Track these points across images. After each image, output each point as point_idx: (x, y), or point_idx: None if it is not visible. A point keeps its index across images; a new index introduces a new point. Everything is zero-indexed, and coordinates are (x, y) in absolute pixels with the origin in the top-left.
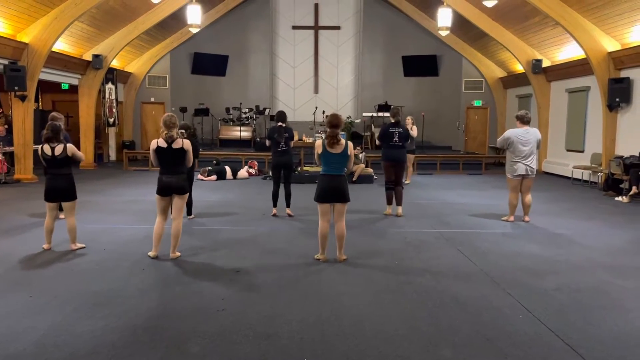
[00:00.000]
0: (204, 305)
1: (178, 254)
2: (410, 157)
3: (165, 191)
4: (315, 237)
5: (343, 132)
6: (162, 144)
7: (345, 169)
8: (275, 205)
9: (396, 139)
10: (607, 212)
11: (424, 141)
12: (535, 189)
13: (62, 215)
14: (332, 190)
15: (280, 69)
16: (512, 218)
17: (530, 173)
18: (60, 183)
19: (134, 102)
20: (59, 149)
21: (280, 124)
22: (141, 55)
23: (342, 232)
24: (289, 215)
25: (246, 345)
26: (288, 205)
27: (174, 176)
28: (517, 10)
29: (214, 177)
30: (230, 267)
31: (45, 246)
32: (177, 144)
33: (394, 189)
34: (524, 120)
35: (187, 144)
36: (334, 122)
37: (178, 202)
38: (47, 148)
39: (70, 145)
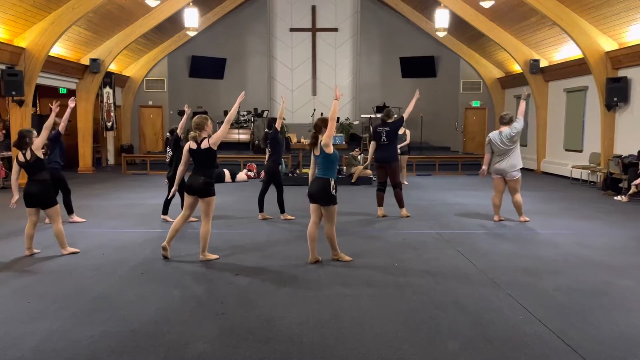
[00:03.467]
0: (203, 309)
1: (210, 256)
2: (404, 158)
3: (188, 190)
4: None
5: (341, 134)
6: (193, 145)
7: (328, 174)
8: (260, 209)
9: (384, 138)
10: (606, 211)
11: (422, 142)
12: (534, 188)
13: (47, 221)
14: (311, 192)
15: (278, 71)
16: (495, 217)
17: (503, 174)
18: (34, 189)
19: (132, 106)
20: (28, 154)
21: (265, 130)
22: (139, 58)
23: (327, 234)
24: (287, 219)
25: (246, 349)
26: (281, 212)
27: (195, 178)
28: (514, 10)
29: None
30: (229, 271)
31: (27, 252)
32: (204, 145)
33: (384, 191)
34: (502, 122)
35: (212, 141)
36: (315, 126)
37: (201, 206)
38: (20, 155)
39: (33, 145)
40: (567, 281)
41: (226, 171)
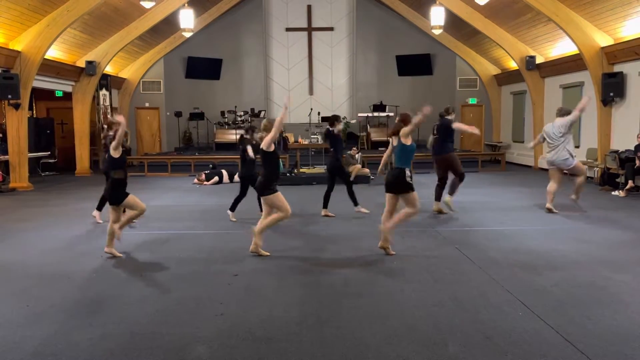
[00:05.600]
0: (202, 310)
1: (261, 251)
2: None
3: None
4: (312, 238)
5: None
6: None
7: (403, 164)
8: (324, 206)
9: (435, 131)
10: (604, 206)
11: (419, 140)
12: (532, 184)
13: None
14: (387, 182)
15: (274, 71)
16: (548, 205)
17: (557, 164)
18: (106, 186)
19: (129, 108)
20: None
21: (327, 127)
22: (135, 60)
23: (400, 214)
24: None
25: (245, 349)
26: (354, 204)
27: (260, 177)
28: (509, 7)
29: (216, 178)
30: (228, 271)
31: (106, 249)
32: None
33: (441, 186)
34: (558, 114)
35: (263, 144)
36: (403, 119)
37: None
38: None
39: (112, 145)
40: (566, 277)
41: (224, 172)
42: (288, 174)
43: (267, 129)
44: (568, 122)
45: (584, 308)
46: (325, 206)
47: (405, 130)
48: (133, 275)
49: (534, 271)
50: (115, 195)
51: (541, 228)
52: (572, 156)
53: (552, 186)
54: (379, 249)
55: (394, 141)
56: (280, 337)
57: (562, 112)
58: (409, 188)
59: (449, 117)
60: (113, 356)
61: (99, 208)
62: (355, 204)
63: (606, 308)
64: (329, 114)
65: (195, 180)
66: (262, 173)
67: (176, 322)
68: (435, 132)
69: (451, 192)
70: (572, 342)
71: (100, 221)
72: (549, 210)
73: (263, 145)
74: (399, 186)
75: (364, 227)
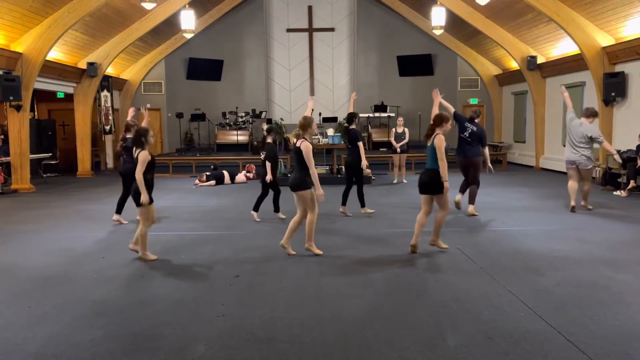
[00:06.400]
0: (203, 311)
1: (314, 249)
2: (403, 157)
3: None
4: (316, 237)
5: (339, 134)
6: (296, 143)
7: (436, 165)
8: (343, 203)
9: (467, 134)
10: (606, 206)
11: (420, 140)
12: (534, 184)
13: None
14: (421, 183)
15: (275, 72)
16: (572, 202)
17: (578, 163)
18: (135, 186)
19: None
20: (136, 154)
21: (345, 125)
22: (136, 62)
23: (439, 220)
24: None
25: (246, 350)
26: (361, 206)
27: (292, 175)
28: (510, 7)
29: (212, 182)
30: (229, 272)
31: (141, 254)
32: (298, 143)
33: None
34: (584, 114)
35: (304, 146)
36: (434, 119)
37: (298, 200)
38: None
39: (142, 153)
40: (567, 276)
41: (225, 172)
42: (289, 175)
43: (303, 128)
44: (592, 135)
45: (586, 308)
46: (344, 203)
47: (438, 143)
48: (134, 276)
49: (535, 271)
50: (137, 197)
51: (542, 228)
52: (591, 160)
53: (572, 185)
54: (379, 250)
55: (429, 142)
56: (282, 338)
57: (588, 113)
58: (435, 190)
59: (478, 121)
60: (114, 357)
61: (118, 211)
62: (362, 205)
63: (608, 308)
64: (330, 115)
65: (197, 182)
66: (297, 169)
67: (177, 323)
68: (467, 136)
69: (472, 201)
70: (573, 342)
71: (125, 222)
72: (573, 209)
73: (303, 149)
74: (436, 188)
75: (365, 227)
